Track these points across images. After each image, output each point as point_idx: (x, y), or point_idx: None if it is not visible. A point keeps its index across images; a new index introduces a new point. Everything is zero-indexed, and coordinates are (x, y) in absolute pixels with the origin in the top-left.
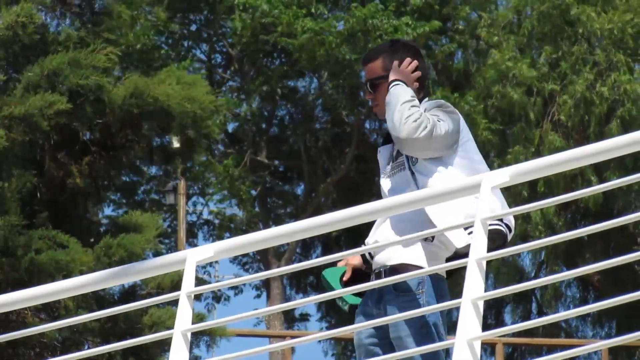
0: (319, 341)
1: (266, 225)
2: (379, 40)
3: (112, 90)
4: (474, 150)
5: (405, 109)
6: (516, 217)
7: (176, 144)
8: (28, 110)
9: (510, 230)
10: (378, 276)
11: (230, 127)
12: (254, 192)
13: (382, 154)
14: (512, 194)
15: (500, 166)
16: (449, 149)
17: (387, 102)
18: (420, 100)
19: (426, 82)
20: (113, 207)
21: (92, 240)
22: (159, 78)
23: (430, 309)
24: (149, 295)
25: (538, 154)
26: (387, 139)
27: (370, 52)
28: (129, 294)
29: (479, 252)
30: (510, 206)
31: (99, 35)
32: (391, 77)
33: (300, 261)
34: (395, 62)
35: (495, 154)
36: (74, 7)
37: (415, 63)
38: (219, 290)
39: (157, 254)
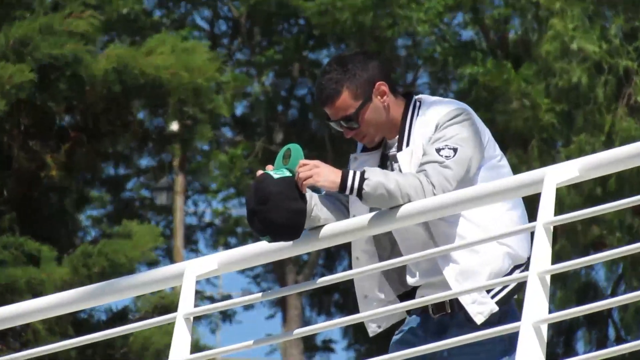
0: None
1: None
2: (413, 5)
3: (91, 64)
4: (494, 150)
5: (398, 194)
6: (587, 221)
7: (174, 126)
8: None
9: None
10: (439, 309)
11: (239, 110)
12: None
13: (364, 164)
14: (581, 192)
15: (567, 158)
16: (473, 173)
17: (383, 200)
18: (408, 107)
19: (392, 81)
20: (97, 206)
21: (71, 250)
22: (148, 47)
23: (481, 334)
24: (141, 319)
25: (610, 143)
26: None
27: (326, 90)
28: (119, 318)
29: (542, 264)
30: (580, 208)
31: None
32: (332, 181)
33: (322, 275)
34: (310, 165)
35: (563, 142)
36: None
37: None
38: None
39: (151, 264)
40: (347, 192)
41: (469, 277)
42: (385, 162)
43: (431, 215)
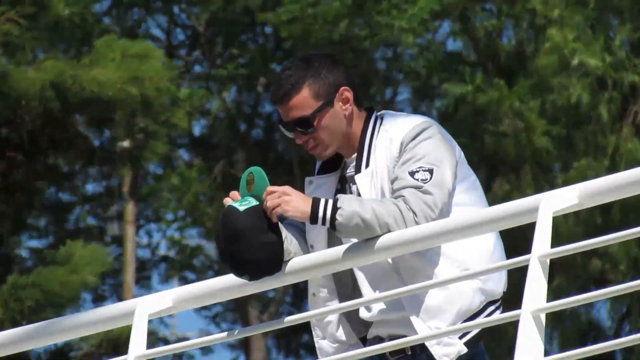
0: None
1: None
2: (393, 12)
3: (21, 77)
4: (467, 169)
5: (375, 224)
6: (587, 253)
7: (124, 143)
8: None
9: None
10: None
11: (197, 129)
12: None
13: (321, 189)
14: (582, 221)
15: (566, 184)
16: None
17: (358, 232)
18: (368, 122)
19: (358, 91)
20: (35, 236)
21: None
22: (92, 56)
23: None
24: (87, 357)
25: (614, 167)
26: (329, 163)
27: (285, 86)
28: (60, 355)
29: (537, 302)
30: (579, 239)
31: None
32: (302, 211)
33: (290, 314)
34: (279, 193)
35: (561, 167)
36: None
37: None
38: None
39: (98, 297)
40: (319, 223)
41: (435, 316)
42: (344, 184)
43: (413, 247)
